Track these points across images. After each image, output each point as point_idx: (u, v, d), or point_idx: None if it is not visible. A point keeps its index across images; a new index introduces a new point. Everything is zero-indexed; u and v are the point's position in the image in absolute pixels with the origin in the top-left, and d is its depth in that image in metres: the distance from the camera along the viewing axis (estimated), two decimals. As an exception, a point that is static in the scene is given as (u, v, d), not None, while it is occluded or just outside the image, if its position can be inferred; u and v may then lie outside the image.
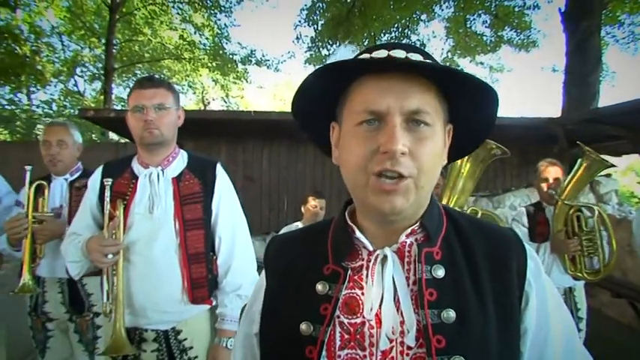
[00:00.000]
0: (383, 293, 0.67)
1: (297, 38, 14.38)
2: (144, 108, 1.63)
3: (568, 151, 6.20)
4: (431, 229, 0.70)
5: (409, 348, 0.64)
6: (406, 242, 0.70)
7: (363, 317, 0.67)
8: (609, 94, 35.56)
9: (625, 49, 14.71)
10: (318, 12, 13.63)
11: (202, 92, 22.98)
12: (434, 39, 16.39)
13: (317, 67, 0.70)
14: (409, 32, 14.71)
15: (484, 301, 0.66)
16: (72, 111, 18.56)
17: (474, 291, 0.66)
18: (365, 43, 13.12)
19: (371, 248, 0.70)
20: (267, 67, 17.75)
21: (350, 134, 0.68)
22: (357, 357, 0.66)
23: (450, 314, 0.64)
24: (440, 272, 0.67)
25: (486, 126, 0.76)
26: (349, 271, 0.70)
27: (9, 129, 18.45)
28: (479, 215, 2.59)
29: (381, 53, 0.67)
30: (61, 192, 2.35)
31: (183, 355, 1.62)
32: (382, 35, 13.97)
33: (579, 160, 2.79)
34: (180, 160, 1.76)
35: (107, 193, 1.62)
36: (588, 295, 2.95)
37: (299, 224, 3.54)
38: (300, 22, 13.98)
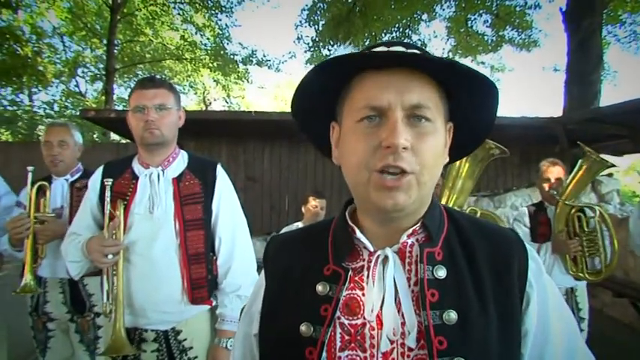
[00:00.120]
0: (384, 294, 0.66)
1: (298, 38, 14.41)
2: (145, 108, 1.63)
3: (569, 150, 6.20)
4: (432, 229, 0.69)
5: (410, 349, 0.64)
6: (407, 242, 0.69)
7: (364, 318, 0.66)
8: (611, 94, 35.55)
9: (626, 48, 14.71)
10: (318, 12, 13.63)
11: (204, 92, 23.02)
12: (435, 39, 16.41)
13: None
14: (410, 32, 14.71)
15: (485, 302, 0.65)
16: (73, 112, 18.61)
17: (475, 292, 0.66)
18: (366, 43, 13.12)
19: (372, 249, 0.69)
20: (268, 68, 17.77)
21: (351, 131, 0.67)
22: (358, 358, 0.65)
23: (452, 315, 0.63)
24: (441, 273, 0.66)
25: (487, 124, 0.76)
26: (350, 272, 0.69)
27: (11, 130, 18.51)
28: (478, 215, 2.58)
29: (381, 49, 0.67)
30: (62, 192, 2.36)
31: (183, 355, 1.61)
32: (383, 35, 13.96)
33: (580, 161, 2.79)
34: (180, 161, 1.75)
35: (107, 193, 1.62)
36: (590, 295, 2.94)
37: (299, 224, 3.53)
38: (300, 22, 14.00)
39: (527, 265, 0.69)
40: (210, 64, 17.57)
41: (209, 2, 16.42)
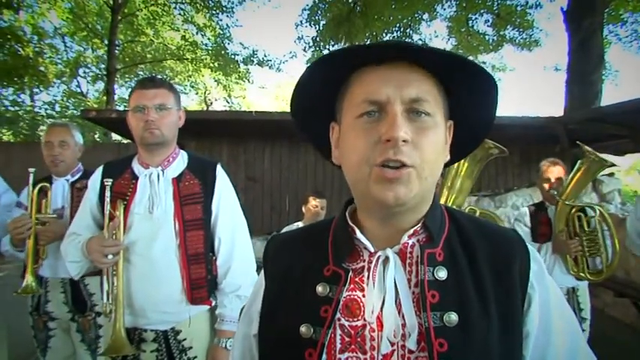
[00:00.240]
0: (384, 295, 0.65)
1: (299, 38, 14.41)
2: (145, 108, 1.63)
3: (570, 150, 6.19)
4: (433, 229, 0.69)
5: (410, 352, 0.63)
6: (408, 243, 0.68)
7: (364, 320, 0.66)
8: (612, 93, 35.56)
9: (628, 47, 14.69)
10: (319, 12, 13.63)
11: (205, 93, 23.05)
12: (436, 38, 16.41)
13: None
14: (411, 32, 14.71)
15: (486, 304, 0.65)
16: (75, 112, 18.63)
17: (477, 293, 0.65)
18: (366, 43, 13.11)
19: (372, 249, 0.69)
20: (269, 68, 17.80)
21: (351, 128, 0.67)
22: None
23: (452, 317, 0.63)
24: (442, 274, 0.66)
25: (487, 122, 0.75)
26: (350, 273, 0.69)
27: (12, 130, 18.53)
28: (477, 214, 2.58)
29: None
30: (62, 193, 2.36)
31: (182, 355, 1.61)
32: (384, 35, 13.96)
33: (579, 161, 2.78)
34: (180, 161, 1.75)
35: (107, 194, 1.62)
36: (591, 295, 2.93)
37: (299, 224, 3.53)
38: (301, 22, 14.01)
39: (529, 267, 0.69)
40: (211, 64, 17.59)
41: (210, 2, 16.44)
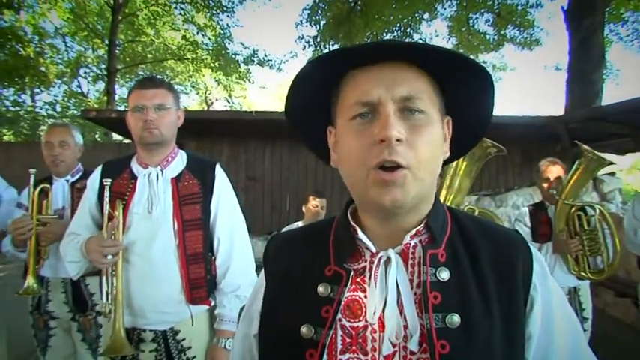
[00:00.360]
0: (386, 296, 0.65)
1: (300, 38, 14.41)
2: (144, 108, 1.63)
3: (570, 149, 6.18)
4: (436, 230, 0.68)
5: (412, 353, 0.62)
6: (410, 244, 0.68)
7: (366, 321, 0.65)
8: (613, 93, 35.49)
9: (629, 47, 14.67)
10: (319, 11, 13.63)
11: (205, 92, 23.06)
12: (436, 38, 16.39)
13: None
14: (411, 31, 14.69)
15: (489, 305, 0.64)
16: (75, 112, 18.65)
17: (479, 294, 0.65)
18: (367, 43, 13.09)
19: (374, 249, 0.68)
20: (270, 67, 17.80)
21: (345, 131, 0.67)
22: None
23: (455, 319, 0.62)
24: (444, 275, 0.65)
25: (484, 118, 0.74)
26: (352, 273, 0.68)
27: (13, 130, 18.55)
28: (476, 214, 2.58)
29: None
30: (63, 193, 2.37)
31: (181, 355, 1.61)
32: (384, 34, 13.95)
33: (577, 160, 2.78)
34: (179, 161, 1.75)
35: (106, 194, 1.62)
36: (592, 294, 2.93)
37: (299, 224, 3.53)
38: (301, 21, 14.00)
39: (532, 268, 0.68)
40: (212, 64, 17.60)
41: (210, 2, 16.45)
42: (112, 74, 15.37)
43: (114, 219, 1.60)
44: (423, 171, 0.63)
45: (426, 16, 14.57)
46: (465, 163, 2.09)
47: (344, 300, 0.67)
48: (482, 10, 13.80)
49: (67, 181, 2.39)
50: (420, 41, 14.70)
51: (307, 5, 13.76)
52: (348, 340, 0.65)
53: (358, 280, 0.68)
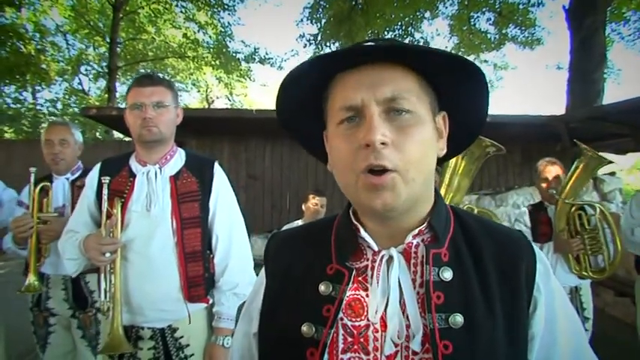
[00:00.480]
0: (388, 296, 0.64)
1: (301, 36, 14.40)
2: (142, 105, 1.63)
3: (571, 149, 6.16)
4: (439, 229, 0.68)
5: (415, 353, 0.62)
6: (413, 243, 0.67)
7: (368, 320, 0.65)
8: (614, 92, 35.44)
9: (631, 46, 14.65)
10: (320, 10, 13.62)
11: (206, 90, 23.07)
12: (438, 37, 16.48)
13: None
14: (412, 30, 14.68)
15: (492, 305, 0.63)
16: (76, 109, 18.66)
17: (482, 294, 0.64)
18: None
19: (376, 248, 0.67)
20: (271, 65, 17.81)
21: (334, 135, 0.67)
22: None
23: (458, 319, 0.61)
24: (447, 274, 0.65)
25: (480, 112, 0.73)
26: (353, 272, 0.68)
27: (14, 127, 18.56)
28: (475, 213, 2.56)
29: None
30: (63, 191, 2.38)
31: (179, 352, 1.61)
32: (385, 33, 13.92)
33: (577, 159, 2.77)
34: (177, 159, 1.75)
35: (105, 191, 1.62)
36: (593, 294, 2.92)
37: (299, 222, 3.54)
38: (302, 19, 14.00)
39: (536, 268, 0.68)
40: (213, 62, 17.60)
41: (211, 0, 16.43)
42: (113, 72, 15.38)
43: (112, 217, 1.60)
44: (413, 171, 0.62)
45: (427, 14, 14.55)
46: (463, 162, 2.08)
47: (345, 299, 0.66)
48: (484, 9, 13.78)
49: (67, 179, 2.40)
50: (421, 40, 14.72)
51: (308, 3, 13.78)
52: (350, 339, 0.65)
53: (360, 279, 0.68)
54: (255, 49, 17.81)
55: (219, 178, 1.75)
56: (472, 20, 14.25)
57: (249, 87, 22.56)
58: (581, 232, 2.70)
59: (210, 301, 1.71)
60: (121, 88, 17.38)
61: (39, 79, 17.67)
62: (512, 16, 13.73)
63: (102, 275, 1.61)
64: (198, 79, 20.90)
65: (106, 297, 1.59)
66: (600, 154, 2.74)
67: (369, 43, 0.64)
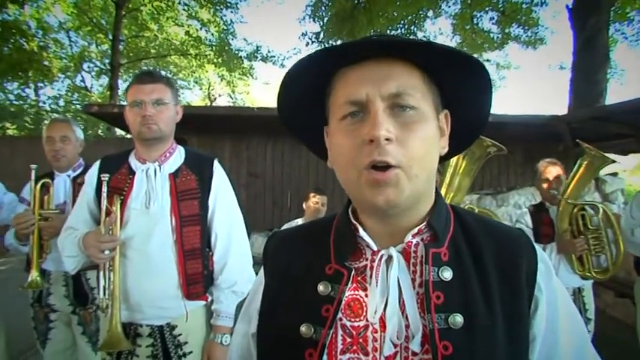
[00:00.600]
0: (387, 296, 0.64)
1: (303, 34, 14.41)
2: (142, 103, 1.63)
3: (573, 149, 6.16)
4: (439, 228, 0.67)
5: (414, 354, 0.61)
6: (412, 242, 0.67)
7: (367, 320, 0.64)
8: (618, 93, 35.24)
9: (634, 46, 14.57)
10: (323, 8, 13.61)
11: (208, 88, 23.08)
12: (440, 36, 16.35)
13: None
14: (415, 29, 14.64)
15: (492, 305, 0.63)
16: (79, 106, 18.69)
17: (482, 294, 0.63)
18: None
19: (375, 248, 0.67)
20: (273, 63, 17.81)
21: (336, 131, 0.66)
22: None
23: (458, 319, 0.61)
24: (447, 274, 0.64)
25: (483, 111, 0.72)
26: (352, 272, 0.67)
27: (17, 124, 18.61)
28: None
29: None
30: (64, 188, 2.39)
31: (177, 350, 1.61)
32: (388, 32, 13.90)
33: (580, 159, 2.76)
34: (177, 156, 1.75)
35: (104, 189, 1.63)
36: (594, 295, 2.91)
37: (299, 221, 3.54)
38: (305, 17, 13.99)
39: (537, 267, 0.67)
40: (215, 60, 17.62)
41: (214, -2, 16.44)
42: (116, 69, 15.40)
43: (111, 214, 1.60)
44: (416, 168, 0.61)
45: (430, 13, 14.52)
46: (464, 162, 2.07)
47: (344, 299, 0.66)
48: (487, 8, 13.74)
49: (69, 176, 2.41)
50: (424, 39, 14.72)
51: (311, 1, 13.76)
52: (349, 339, 0.64)
53: (359, 279, 0.67)
54: (257, 47, 17.88)
55: (219, 176, 1.75)
56: (475, 19, 14.21)
57: (252, 85, 22.60)
58: (584, 233, 2.69)
59: (209, 299, 1.71)
60: (123, 86, 17.39)
61: (41, 76, 17.68)
62: (515, 16, 13.68)
63: (101, 273, 1.61)
64: (201, 77, 20.92)
65: (104, 294, 1.59)
66: (600, 151, 2.72)
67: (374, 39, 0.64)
